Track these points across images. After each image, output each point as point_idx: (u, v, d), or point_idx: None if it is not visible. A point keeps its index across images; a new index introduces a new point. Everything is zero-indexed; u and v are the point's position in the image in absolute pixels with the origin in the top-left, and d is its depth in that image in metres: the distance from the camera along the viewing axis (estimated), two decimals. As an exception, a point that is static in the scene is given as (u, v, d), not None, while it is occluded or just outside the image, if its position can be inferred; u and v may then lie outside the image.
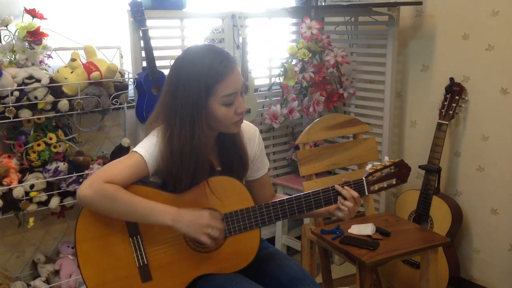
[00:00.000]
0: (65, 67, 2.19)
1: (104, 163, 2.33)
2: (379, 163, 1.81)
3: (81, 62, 2.22)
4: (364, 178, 1.75)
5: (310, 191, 1.69)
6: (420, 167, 2.73)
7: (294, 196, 1.68)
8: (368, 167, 1.79)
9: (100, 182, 1.49)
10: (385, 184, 1.79)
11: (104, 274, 1.56)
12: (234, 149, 1.67)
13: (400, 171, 1.81)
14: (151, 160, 1.55)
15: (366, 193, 1.74)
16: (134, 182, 1.56)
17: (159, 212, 1.51)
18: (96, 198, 1.49)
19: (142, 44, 2.41)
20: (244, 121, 1.76)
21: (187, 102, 1.51)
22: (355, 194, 1.70)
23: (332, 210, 1.74)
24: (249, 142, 1.74)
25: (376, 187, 1.77)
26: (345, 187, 1.70)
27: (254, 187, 1.79)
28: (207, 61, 1.52)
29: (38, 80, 2.07)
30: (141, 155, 1.55)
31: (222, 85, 1.52)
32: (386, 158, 1.83)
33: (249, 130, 1.75)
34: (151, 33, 2.39)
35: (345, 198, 1.69)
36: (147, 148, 1.57)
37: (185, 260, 1.60)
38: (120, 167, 1.55)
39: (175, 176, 1.55)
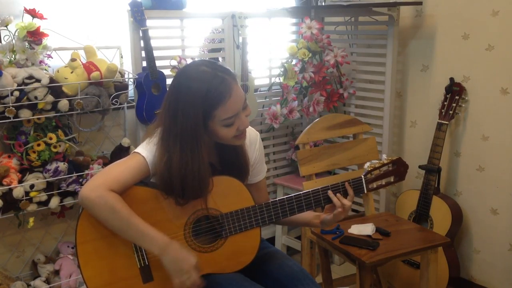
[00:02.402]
0: (65, 67, 2.19)
1: (104, 163, 2.33)
2: (377, 161, 1.82)
3: (81, 62, 2.22)
4: (363, 176, 1.75)
5: (310, 190, 1.69)
6: (420, 167, 2.73)
7: (294, 195, 1.68)
8: (367, 165, 1.80)
9: (104, 188, 1.49)
10: (383, 182, 1.80)
11: (105, 275, 1.56)
12: (235, 156, 1.68)
13: (398, 168, 1.81)
14: (153, 161, 1.56)
15: (365, 191, 1.76)
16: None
17: (149, 241, 1.51)
18: (97, 204, 1.49)
19: (142, 44, 2.41)
20: None
21: (187, 129, 1.50)
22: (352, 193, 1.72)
23: (322, 217, 1.74)
24: (250, 146, 1.74)
25: (374, 185, 1.78)
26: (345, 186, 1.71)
27: (251, 191, 1.78)
28: (204, 86, 1.49)
29: (38, 80, 2.07)
30: (143, 156, 1.56)
31: (221, 110, 1.51)
32: (384, 156, 1.84)
33: (250, 135, 1.75)
34: (151, 33, 2.39)
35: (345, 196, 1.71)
36: (149, 149, 1.57)
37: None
38: (122, 169, 1.55)
39: (177, 195, 1.55)
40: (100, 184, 1.50)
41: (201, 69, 1.52)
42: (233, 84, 1.53)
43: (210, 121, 1.53)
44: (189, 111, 1.49)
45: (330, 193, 1.70)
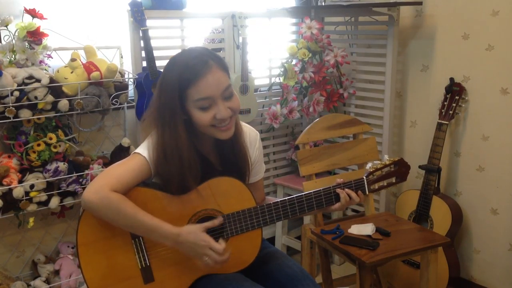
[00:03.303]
0: (65, 67, 2.19)
1: (104, 163, 2.33)
2: (379, 162, 1.81)
3: (81, 62, 2.22)
4: (364, 177, 1.75)
5: (312, 191, 1.69)
6: (420, 167, 2.73)
7: (296, 196, 1.67)
8: (368, 166, 1.79)
9: (106, 189, 1.49)
10: (385, 183, 1.79)
11: (106, 276, 1.56)
12: (235, 156, 1.68)
13: (400, 169, 1.81)
14: (154, 161, 1.56)
15: (367, 192, 1.75)
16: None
17: (160, 234, 1.51)
18: (101, 206, 1.49)
19: (142, 44, 2.41)
20: (246, 124, 1.76)
21: (166, 106, 1.53)
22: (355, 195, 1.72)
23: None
24: (250, 146, 1.74)
25: (376, 186, 1.77)
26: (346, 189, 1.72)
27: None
28: (182, 65, 1.52)
29: (38, 80, 2.07)
30: (143, 157, 1.56)
31: (193, 89, 1.51)
32: (386, 157, 1.83)
33: (250, 134, 1.75)
34: (151, 33, 2.39)
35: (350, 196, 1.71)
36: (149, 149, 1.57)
37: (187, 261, 1.59)
38: (124, 170, 1.55)
39: (165, 178, 1.56)
40: (102, 186, 1.50)
41: (186, 53, 1.56)
42: (212, 66, 1.52)
43: (186, 102, 1.53)
44: (167, 90, 1.53)
45: (339, 190, 1.70)
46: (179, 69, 1.52)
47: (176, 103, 1.52)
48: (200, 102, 1.52)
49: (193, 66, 1.50)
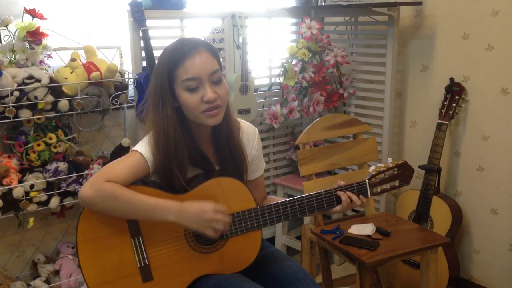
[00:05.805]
0: (65, 67, 2.19)
1: (104, 163, 2.33)
2: (382, 165, 1.79)
3: (81, 62, 2.22)
4: (367, 180, 1.74)
5: (313, 193, 1.68)
6: (420, 167, 2.73)
7: (297, 198, 1.67)
8: (371, 168, 1.77)
9: (100, 181, 1.50)
10: (388, 186, 1.78)
11: (105, 274, 1.56)
12: (229, 151, 1.67)
13: (404, 173, 1.79)
14: (151, 158, 1.56)
15: (369, 195, 1.74)
16: (135, 182, 1.56)
17: (162, 209, 1.50)
18: (98, 198, 1.49)
19: (142, 44, 2.41)
20: (244, 121, 1.77)
21: (157, 89, 1.57)
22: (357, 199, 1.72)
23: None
24: (248, 143, 1.74)
25: (378, 189, 1.76)
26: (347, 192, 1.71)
27: (249, 188, 1.78)
28: (172, 48, 1.57)
29: (38, 80, 2.07)
30: (141, 154, 1.56)
31: (181, 69, 1.54)
32: (389, 160, 1.81)
33: (249, 131, 1.75)
34: (151, 33, 2.39)
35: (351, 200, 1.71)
36: (147, 146, 1.57)
37: (186, 261, 1.60)
38: (121, 166, 1.55)
39: (156, 165, 1.57)
40: (96, 179, 1.51)
41: (179, 40, 1.61)
42: (201, 49, 1.55)
43: (174, 83, 1.55)
44: (158, 72, 1.57)
45: (340, 192, 1.69)
46: (170, 52, 1.57)
47: (165, 84, 1.55)
48: (187, 83, 1.54)
49: (182, 47, 1.55)
